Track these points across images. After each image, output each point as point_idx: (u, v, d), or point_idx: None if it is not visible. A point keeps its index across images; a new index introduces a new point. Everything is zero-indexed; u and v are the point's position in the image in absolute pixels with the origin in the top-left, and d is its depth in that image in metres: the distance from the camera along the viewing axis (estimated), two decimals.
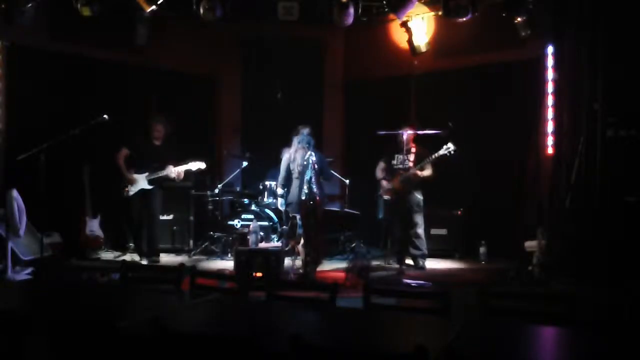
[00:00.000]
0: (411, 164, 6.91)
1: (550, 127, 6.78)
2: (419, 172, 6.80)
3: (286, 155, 6.73)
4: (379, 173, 7.19)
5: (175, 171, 6.92)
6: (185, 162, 6.98)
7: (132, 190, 6.96)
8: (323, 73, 9.27)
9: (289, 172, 6.67)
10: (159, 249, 7.20)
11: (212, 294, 3.47)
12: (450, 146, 6.60)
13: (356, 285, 5.64)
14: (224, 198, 8.08)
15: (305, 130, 6.66)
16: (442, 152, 6.65)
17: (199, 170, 7.14)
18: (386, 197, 7.12)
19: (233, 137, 9.21)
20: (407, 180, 6.82)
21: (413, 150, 6.96)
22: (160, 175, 6.94)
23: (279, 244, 6.77)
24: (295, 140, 6.66)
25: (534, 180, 7.40)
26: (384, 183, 7.09)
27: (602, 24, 5.90)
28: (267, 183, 7.77)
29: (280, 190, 6.88)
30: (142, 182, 6.96)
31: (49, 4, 7.04)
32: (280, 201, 7.02)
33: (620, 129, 5.79)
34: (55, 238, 7.07)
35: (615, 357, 2.33)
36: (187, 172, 7.07)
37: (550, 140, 6.78)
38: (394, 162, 6.98)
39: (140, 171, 6.98)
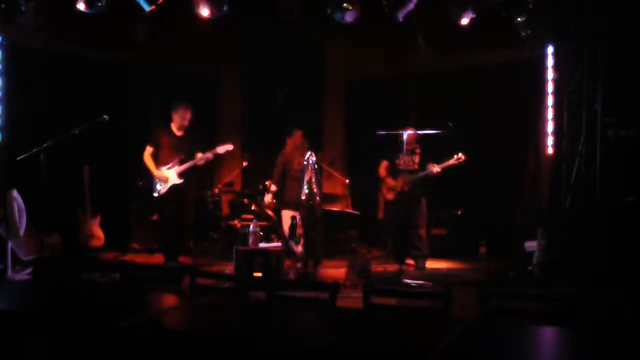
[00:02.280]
0: (416, 166, 6.92)
1: (550, 127, 6.78)
2: (436, 169, 6.82)
3: (281, 157, 6.76)
4: (383, 172, 7.19)
5: (202, 158, 6.74)
6: (212, 148, 6.81)
7: (164, 188, 6.76)
8: (323, 73, 9.27)
9: (284, 173, 6.72)
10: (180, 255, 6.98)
11: (212, 294, 3.47)
12: (462, 156, 6.61)
13: (356, 285, 5.64)
14: (224, 198, 8.09)
15: (299, 133, 6.73)
16: (451, 162, 6.67)
17: (227, 152, 6.94)
18: (389, 197, 7.12)
19: (233, 137, 9.21)
20: (417, 182, 6.85)
21: (417, 151, 6.98)
22: (189, 165, 6.75)
23: (279, 244, 6.76)
24: (290, 142, 6.73)
25: (534, 180, 7.40)
26: (388, 183, 7.07)
27: (602, 24, 5.90)
28: (267, 183, 7.78)
29: (274, 187, 6.89)
30: (172, 177, 6.76)
31: (49, 4, 7.04)
32: (268, 197, 7.01)
33: (620, 129, 5.79)
34: (55, 238, 7.07)
35: (615, 357, 2.33)
36: (216, 156, 6.90)
37: (550, 140, 6.78)
38: (399, 161, 6.97)
39: (167, 167, 6.78)
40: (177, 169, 6.76)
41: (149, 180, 6.97)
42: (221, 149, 6.81)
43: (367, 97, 8.76)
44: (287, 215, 6.84)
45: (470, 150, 6.86)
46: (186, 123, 6.86)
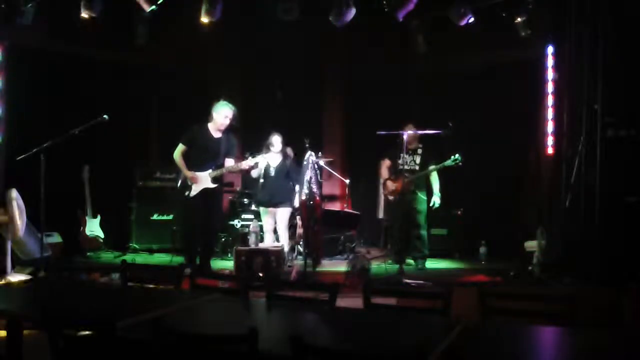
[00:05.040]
0: (417, 166, 6.93)
1: (550, 127, 6.78)
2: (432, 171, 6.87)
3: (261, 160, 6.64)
4: (384, 172, 7.18)
5: (241, 165, 6.26)
6: (253, 156, 6.40)
7: (195, 190, 6.22)
8: (323, 72, 9.26)
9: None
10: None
11: (212, 294, 3.47)
12: (458, 158, 6.60)
13: (356, 285, 5.64)
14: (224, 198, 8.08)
15: (274, 137, 6.83)
16: (448, 162, 6.66)
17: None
18: (390, 197, 7.10)
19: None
20: (417, 182, 6.86)
21: (419, 151, 6.98)
22: (224, 171, 6.31)
23: (279, 244, 6.77)
24: (266, 148, 6.80)
25: (534, 180, 7.40)
26: (389, 184, 7.07)
27: (603, 24, 5.90)
28: None
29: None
30: (205, 180, 6.22)
31: (49, 4, 7.04)
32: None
33: (620, 129, 5.79)
34: (55, 238, 7.08)
35: (615, 357, 2.33)
36: (255, 167, 6.47)
37: (550, 140, 6.78)
38: (400, 161, 6.96)
39: (200, 169, 6.25)
40: (210, 172, 6.24)
41: (178, 179, 6.46)
42: (262, 160, 6.39)
43: (367, 96, 8.76)
44: (266, 215, 6.92)
45: (470, 150, 6.86)
46: (227, 123, 6.36)
